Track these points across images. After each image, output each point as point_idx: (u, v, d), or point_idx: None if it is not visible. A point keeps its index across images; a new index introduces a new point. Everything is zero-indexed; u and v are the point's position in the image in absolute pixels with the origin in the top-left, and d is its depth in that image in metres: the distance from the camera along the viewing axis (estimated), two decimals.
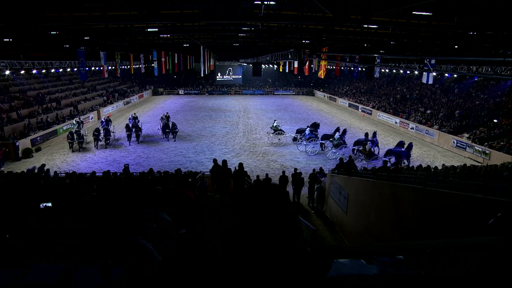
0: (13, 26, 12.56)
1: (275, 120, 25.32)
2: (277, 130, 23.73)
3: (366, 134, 21.60)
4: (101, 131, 22.84)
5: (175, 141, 24.38)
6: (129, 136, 23.60)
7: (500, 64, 12.93)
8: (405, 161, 18.51)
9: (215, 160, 12.46)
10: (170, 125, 24.89)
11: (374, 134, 21.36)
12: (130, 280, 3.28)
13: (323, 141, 21.72)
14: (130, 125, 24.38)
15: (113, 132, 24.08)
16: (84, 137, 23.00)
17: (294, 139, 23.31)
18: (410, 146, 19.34)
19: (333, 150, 20.53)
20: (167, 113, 28.59)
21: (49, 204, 6.50)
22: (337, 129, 21.91)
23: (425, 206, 7.40)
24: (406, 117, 30.67)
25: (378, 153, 19.90)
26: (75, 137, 21.90)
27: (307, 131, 21.99)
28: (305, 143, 21.63)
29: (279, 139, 23.62)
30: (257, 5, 12.16)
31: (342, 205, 11.74)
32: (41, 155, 21.06)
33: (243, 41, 27.54)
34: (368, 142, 19.72)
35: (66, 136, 22.87)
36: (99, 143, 22.64)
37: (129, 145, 23.21)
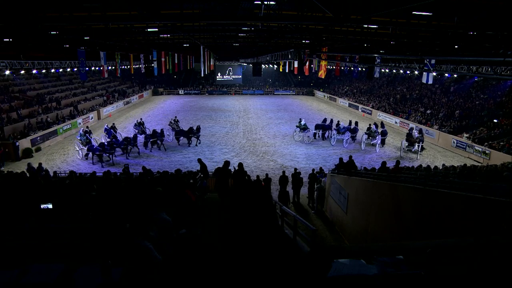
0: (13, 26, 12.56)
1: (301, 119, 25.87)
2: (305, 128, 24.64)
3: (324, 120, 26.16)
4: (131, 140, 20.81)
5: (196, 145, 23.18)
6: (155, 143, 22.08)
7: (500, 64, 12.92)
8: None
9: (199, 160, 13.01)
10: (195, 129, 23.36)
11: (382, 124, 24.78)
12: (130, 280, 3.28)
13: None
14: (136, 131, 23.72)
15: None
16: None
17: (315, 135, 25.34)
18: (421, 131, 23.17)
19: (366, 141, 23.32)
20: (176, 117, 27.85)
21: (50, 206, 6.51)
22: (350, 122, 25.79)
23: (425, 206, 7.40)
24: (406, 117, 30.66)
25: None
26: (106, 149, 19.25)
27: (341, 124, 24.83)
28: (337, 136, 24.00)
29: (308, 136, 24.54)
30: (257, 5, 12.15)
31: (342, 205, 11.74)
32: (41, 155, 21.05)
33: (243, 41, 27.54)
34: (413, 130, 23.33)
35: (82, 150, 20.37)
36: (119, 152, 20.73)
37: (159, 150, 22.04)
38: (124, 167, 14.57)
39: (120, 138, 21.84)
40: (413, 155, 21.60)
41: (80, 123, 28.68)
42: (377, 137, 22.93)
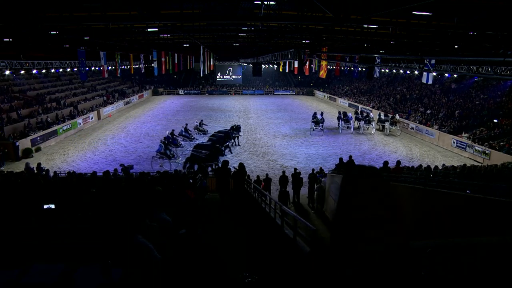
0: (13, 26, 12.57)
1: (315, 113, 28.45)
2: (320, 123, 27.48)
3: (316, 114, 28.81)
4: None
5: (239, 145, 23.16)
6: (227, 147, 20.81)
7: (500, 64, 12.92)
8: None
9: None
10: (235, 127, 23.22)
11: (322, 113, 28.60)
12: (130, 280, 3.28)
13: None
14: (181, 138, 22.92)
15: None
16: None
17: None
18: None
19: (371, 126, 27.93)
20: (202, 120, 27.69)
21: (52, 206, 6.51)
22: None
23: (425, 206, 7.41)
24: (406, 117, 30.65)
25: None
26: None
27: (349, 114, 28.63)
28: (343, 124, 28.06)
29: (323, 129, 27.42)
30: (257, 5, 12.16)
31: None
32: (41, 155, 21.06)
33: (243, 41, 27.55)
34: (397, 115, 28.97)
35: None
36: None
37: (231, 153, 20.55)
38: (124, 167, 14.57)
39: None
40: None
41: (80, 123, 28.68)
42: (320, 125, 27.43)
